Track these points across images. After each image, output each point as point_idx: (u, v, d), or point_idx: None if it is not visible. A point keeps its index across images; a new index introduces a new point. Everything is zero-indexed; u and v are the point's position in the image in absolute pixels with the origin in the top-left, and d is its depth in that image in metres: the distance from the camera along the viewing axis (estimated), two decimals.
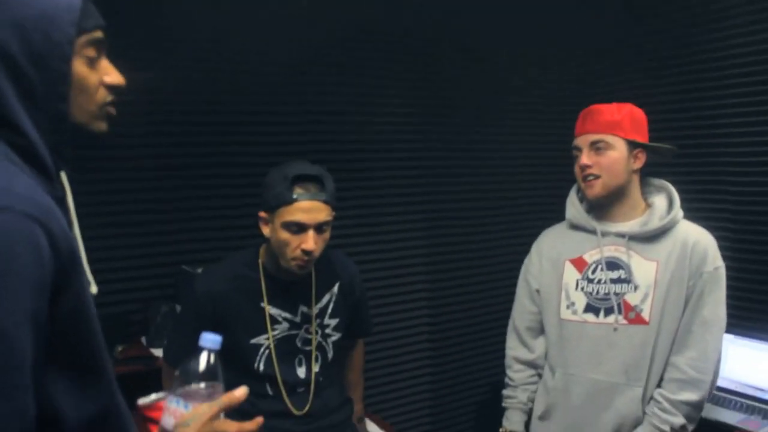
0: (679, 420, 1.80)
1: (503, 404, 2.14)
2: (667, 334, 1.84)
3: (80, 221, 2.47)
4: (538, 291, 2.07)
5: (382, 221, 3.20)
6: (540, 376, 2.09)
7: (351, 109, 3.07)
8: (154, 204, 2.68)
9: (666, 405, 1.81)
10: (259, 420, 1.12)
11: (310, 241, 1.73)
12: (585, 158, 1.86)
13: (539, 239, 2.15)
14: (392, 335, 3.28)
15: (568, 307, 1.97)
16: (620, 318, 1.88)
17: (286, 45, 2.87)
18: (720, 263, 1.86)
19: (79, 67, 0.92)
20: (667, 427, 1.80)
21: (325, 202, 1.75)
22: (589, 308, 1.92)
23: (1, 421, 0.73)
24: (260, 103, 2.86)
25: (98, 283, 2.49)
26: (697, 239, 1.85)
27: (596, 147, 1.85)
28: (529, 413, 2.10)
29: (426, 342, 3.39)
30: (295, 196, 1.71)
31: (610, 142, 1.84)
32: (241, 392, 1.06)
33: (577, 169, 1.92)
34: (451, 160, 3.35)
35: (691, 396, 1.80)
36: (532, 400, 2.09)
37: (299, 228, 1.73)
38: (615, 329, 1.88)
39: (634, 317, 1.86)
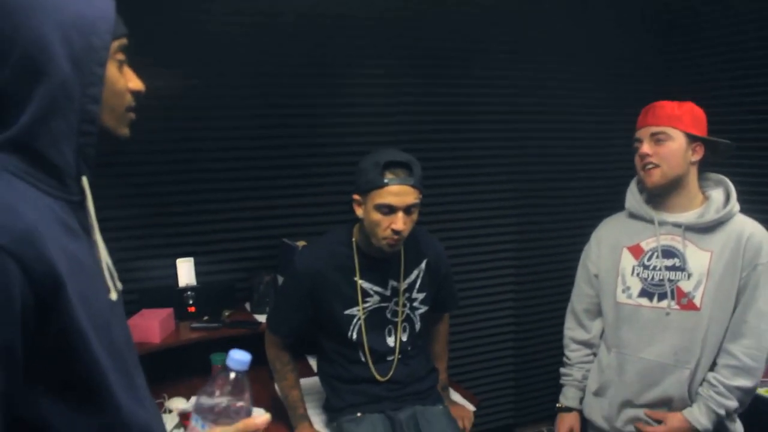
0: (733, 404, 1.86)
1: (560, 381, 2.26)
2: (717, 321, 1.89)
3: (194, 197, 2.76)
4: (596, 276, 2.15)
5: (472, 199, 3.31)
6: (595, 355, 2.19)
7: (443, 95, 3.17)
8: (258, 181, 2.90)
9: (722, 389, 1.87)
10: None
11: (400, 222, 1.89)
12: (645, 148, 1.93)
13: (599, 227, 2.23)
14: (478, 309, 3.40)
15: (623, 291, 2.05)
16: (673, 303, 1.94)
17: (379, 33, 3.01)
18: None
19: (111, 70, 0.94)
20: (722, 411, 1.86)
21: (413, 186, 1.89)
22: (643, 293, 2.00)
23: None
24: (355, 94, 3.01)
25: (207, 253, 2.80)
26: (752, 232, 1.89)
27: (656, 138, 1.92)
28: (584, 390, 2.20)
29: (510, 317, 3.49)
30: (386, 181, 1.86)
31: (669, 133, 1.90)
32: (261, 419, 1.00)
33: (637, 159, 1.98)
34: (542, 141, 3.41)
35: (745, 382, 1.86)
36: (587, 378, 2.19)
37: (389, 210, 1.89)
38: (667, 314, 1.94)
39: (686, 303, 1.92)
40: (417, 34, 3.09)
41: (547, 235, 3.49)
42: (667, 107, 1.93)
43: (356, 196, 1.97)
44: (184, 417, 2.24)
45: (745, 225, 1.91)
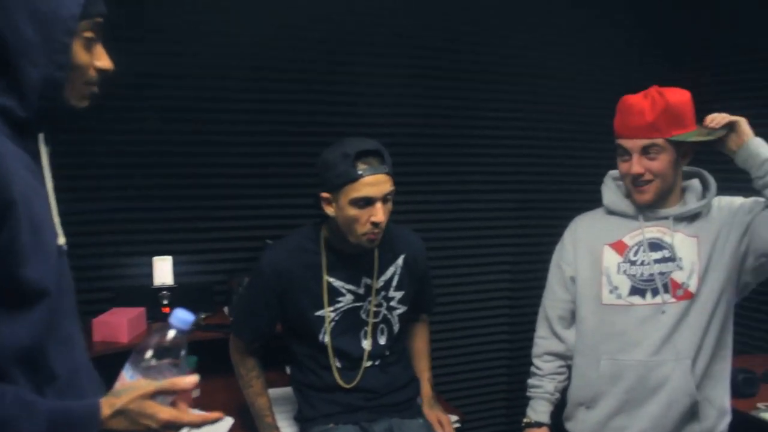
0: None
1: (528, 393, 2.11)
2: (712, 304, 1.80)
3: (175, 192, 2.65)
4: (572, 278, 2.01)
5: (467, 199, 3.22)
6: (568, 367, 2.06)
7: (440, 89, 3.08)
8: (242, 179, 2.79)
9: None
10: (216, 415, 1.06)
11: (380, 213, 1.75)
12: (637, 166, 1.79)
13: (572, 226, 2.08)
14: (470, 316, 3.27)
15: (611, 291, 1.91)
16: (668, 297, 1.82)
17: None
18: None
19: (77, 45, 1.02)
20: None
21: (387, 173, 1.76)
22: (634, 291, 1.87)
23: None
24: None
25: (184, 253, 2.67)
26: (721, 197, 1.86)
27: (647, 152, 1.79)
28: (555, 403, 2.07)
29: (505, 334, 3.35)
30: (360, 172, 1.72)
31: (662, 145, 1.77)
32: (189, 380, 0.99)
33: (623, 169, 1.85)
34: (536, 140, 3.30)
35: None
36: (559, 391, 2.06)
37: (367, 202, 1.75)
38: (663, 311, 1.82)
39: (683, 294, 1.81)
40: (427, 32, 2.99)
41: (546, 249, 3.34)
42: (647, 112, 1.76)
43: (325, 194, 1.81)
44: None
45: (720, 198, 1.86)
